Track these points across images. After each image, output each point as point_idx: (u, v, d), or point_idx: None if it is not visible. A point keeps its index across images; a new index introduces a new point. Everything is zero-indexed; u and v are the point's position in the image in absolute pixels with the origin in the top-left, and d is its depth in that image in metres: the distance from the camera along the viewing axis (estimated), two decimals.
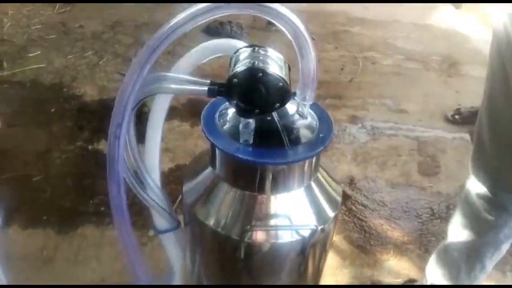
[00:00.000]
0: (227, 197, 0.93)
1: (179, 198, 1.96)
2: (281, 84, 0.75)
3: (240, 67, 0.76)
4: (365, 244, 1.85)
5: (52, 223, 1.81)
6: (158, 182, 1.04)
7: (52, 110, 2.48)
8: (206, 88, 0.81)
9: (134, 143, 0.91)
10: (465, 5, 4.41)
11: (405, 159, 2.36)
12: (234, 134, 0.86)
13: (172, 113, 2.52)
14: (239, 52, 0.83)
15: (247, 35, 3.52)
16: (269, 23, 3.80)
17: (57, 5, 3.72)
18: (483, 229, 1.24)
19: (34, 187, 1.97)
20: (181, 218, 1.11)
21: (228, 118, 0.92)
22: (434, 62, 3.31)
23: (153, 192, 1.02)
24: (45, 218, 1.83)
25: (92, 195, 1.95)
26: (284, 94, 0.77)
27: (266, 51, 0.82)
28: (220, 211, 0.93)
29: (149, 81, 0.84)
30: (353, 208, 2.02)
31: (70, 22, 3.50)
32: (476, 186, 1.21)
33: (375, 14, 3.98)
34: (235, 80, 0.75)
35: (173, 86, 0.86)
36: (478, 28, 3.89)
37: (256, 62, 0.75)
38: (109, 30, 3.43)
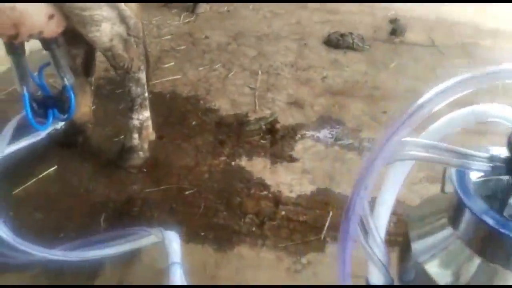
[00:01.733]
0: (470, 264, 0.89)
1: (326, 224, 1.97)
2: None
3: None
4: None
5: (210, 240, 1.90)
6: (383, 238, 1.03)
7: (193, 123, 2.61)
8: (487, 164, 0.77)
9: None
10: None
11: None
12: (493, 202, 0.82)
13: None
14: None
15: (369, 47, 3.42)
16: (392, 33, 3.64)
17: (182, 15, 3.93)
18: None
19: (188, 201, 2.09)
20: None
21: (488, 185, 0.87)
22: None
23: (377, 246, 1.02)
24: (202, 234, 1.93)
25: (242, 214, 2.02)
26: None
27: None
28: (461, 276, 0.89)
29: (397, 146, 0.82)
30: None
31: (196, 32, 3.67)
32: None
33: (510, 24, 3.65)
34: None
35: (433, 155, 0.83)
36: None
37: None
38: (233, 42, 3.54)
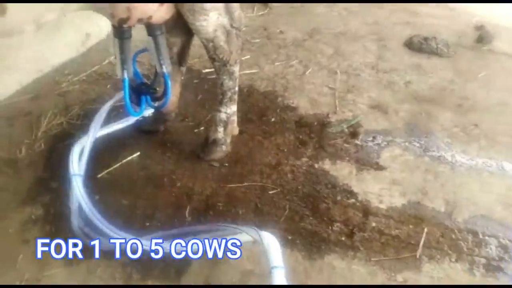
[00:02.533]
0: None
1: (421, 242, 1.81)
2: None
3: None
4: None
5: (298, 245, 1.82)
6: None
7: (273, 120, 2.53)
8: None
9: None
10: None
11: None
12: None
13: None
14: None
15: (454, 53, 3.22)
16: (478, 41, 3.42)
17: (255, 7, 3.85)
18: None
19: (273, 201, 2.02)
20: None
21: None
22: None
23: None
24: (290, 238, 1.85)
25: (330, 221, 1.93)
26: None
27: None
28: None
29: None
30: None
31: (270, 26, 3.58)
32: None
33: None
34: None
35: None
36: None
37: None
38: (309, 38, 3.43)
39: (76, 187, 1.73)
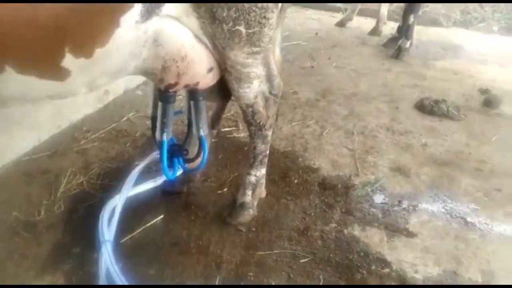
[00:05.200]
0: None
1: None
2: None
3: None
4: None
5: None
6: None
7: (295, 181, 2.50)
8: None
9: None
10: None
11: None
12: None
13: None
14: None
15: (465, 116, 3.30)
16: (486, 104, 3.52)
17: None
18: None
19: (305, 270, 1.94)
20: None
21: None
22: None
23: None
24: None
25: None
26: None
27: None
28: None
29: None
30: None
31: (284, 86, 3.65)
32: None
33: None
34: None
35: None
36: None
37: None
38: (322, 98, 3.50)
39: (107, 254, 1.63)
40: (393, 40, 4.59)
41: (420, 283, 1.91)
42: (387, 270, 1.97)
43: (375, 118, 3.25)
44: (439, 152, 2.88)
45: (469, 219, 2.30)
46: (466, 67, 4.22)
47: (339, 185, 2.50)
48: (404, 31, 4.39)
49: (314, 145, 2.88)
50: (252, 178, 2.10)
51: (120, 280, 1.60)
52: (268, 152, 2.10)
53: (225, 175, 2.50)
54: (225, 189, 2.38)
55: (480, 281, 1.94)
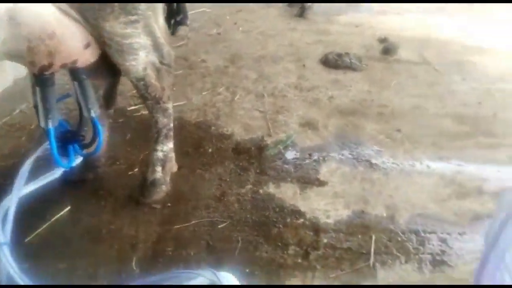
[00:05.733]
0: None
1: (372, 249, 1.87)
2: None
3: None
4: None
5: (257, 276, 1.78)
6: None
7: (209, 150, 2.49)
8: None
9: None
10: None
11: None
12: None
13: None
14: None
15: (366, 66, 3.46)
16: (385, 52, 3.73)
17: (173, 39, 3.81)
18: None
19: (224, 235, 1.96)
20: None
21: None
22: None
23: None
24: (248, 271, 1.80)
25: (284, 245, 1.92)
26: None
27: None
28: None
29: None
30: None
31: (191, 56, 3.57)
32: None
33: (489, 41, 3.85)
34: None
35: None
36: None
37: None
38: (231, 65, 3.47)
39: (4, 258, 1.51)
40: None
41: (332, 227, 2.03)
42: (301, 220, 2.06)
43: (284, 78, 3.30)
44: (344, 103, 3.01)
45: (373, 161, 2.46)
46: (367, 19, 4.39)
47: (253, 148, 2.53)
48: None
49: (226, 112, 2.86)
50: (159, 154, 2.04)
51: (23, 281, 1.50)
52: (172, 125, 2.04)
53: (134, 155, 2.41)
54: (136, 170, 2.31)
55: (385, 216, 2.10)
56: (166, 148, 2.05)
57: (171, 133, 2.05)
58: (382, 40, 3.88)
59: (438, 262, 1.88)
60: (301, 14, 4.40)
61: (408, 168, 2.42)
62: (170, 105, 1.94)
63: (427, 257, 1.90)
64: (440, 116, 2.88)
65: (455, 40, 3.92)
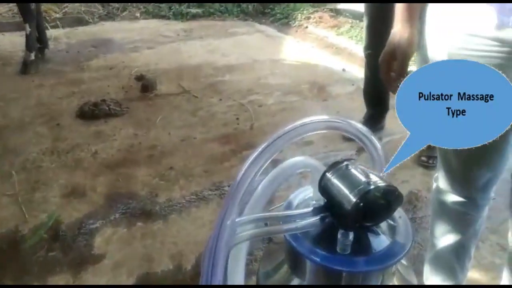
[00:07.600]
0: None
1: None
2: (396, 193, 0.80)
3: (355, 191, 0.77)
4: None
5: None
6: None
7: None
8: (314, 218, 0.79)
9: None
10: (298, 34, 5.13)
11: None
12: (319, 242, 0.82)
13: None
14: (333, 171, 0.83)
15: (128, 109, 3.34)
16: (144, 90, 3.69)
17: None
18: (465, 227, 1.50)
19: None
20: None
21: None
22: (306, 90, 3.75)
23: None
24: None
25: None
26: (400, 201, 0.82)
27: (354, 162, 0.86)
28: None
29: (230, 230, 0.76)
30: None
31: None
32: (449, 197, 1.47)
33: (236, 59, 4.28)
34: (360, 204, 0.77)
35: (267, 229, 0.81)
36: (317, 52, 4.57)
37: (366, 180, 0.78)
38: None
39: None
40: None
41: None
42: None
43: (36, 145, 2.86)
44: (110, 155, 2.81)
45: (151, 210, 2.33)
46: (120, 59, 4.30)
47: (4, 246, 2.07)
48: (26, 43, 3.97)
49: None
50: None
51: None
52: None
53: None
54: None
55: (171, 267, 2.00)
56: None
57: None
58: (139, 78, 3.84)
59: None
60: (25, 71, 3.91)
61: (187, 205, 2.39)
62: None
63: None
64: (207, 142, 2.98)
65: (207, 62, 4.20)
